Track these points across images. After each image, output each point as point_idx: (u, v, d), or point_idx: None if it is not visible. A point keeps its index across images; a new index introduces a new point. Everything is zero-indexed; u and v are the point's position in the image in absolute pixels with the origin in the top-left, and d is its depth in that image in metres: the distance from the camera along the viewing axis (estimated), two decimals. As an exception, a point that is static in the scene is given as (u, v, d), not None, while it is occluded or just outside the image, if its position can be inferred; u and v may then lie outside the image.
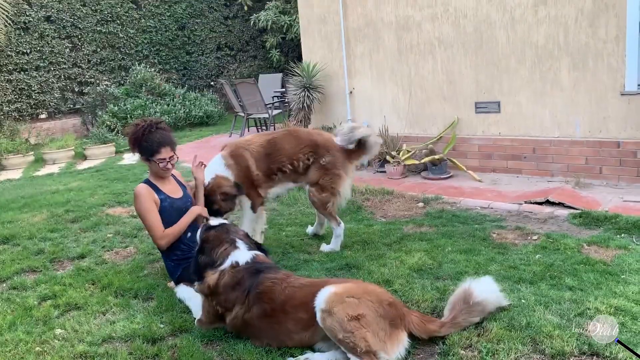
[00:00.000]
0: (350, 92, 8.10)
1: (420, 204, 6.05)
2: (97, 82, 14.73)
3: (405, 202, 6.19)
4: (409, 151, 7.27)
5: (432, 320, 3.11)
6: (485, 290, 3.17)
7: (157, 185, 4.23)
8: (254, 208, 4.82)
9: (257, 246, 3.63)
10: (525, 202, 5.67)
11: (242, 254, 3.44)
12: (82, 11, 14.60)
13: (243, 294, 3.27)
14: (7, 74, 13.49)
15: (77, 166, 10.35)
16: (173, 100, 14.40)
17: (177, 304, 3.88)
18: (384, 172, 7.42)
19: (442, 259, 4.33)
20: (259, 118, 11.42)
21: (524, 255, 4.34)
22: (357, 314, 2.78)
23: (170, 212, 4.19)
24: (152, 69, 15.01)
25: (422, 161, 7.09)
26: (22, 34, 13.67)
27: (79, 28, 14.61)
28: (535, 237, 4.76)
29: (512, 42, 6.56)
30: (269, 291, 3.19)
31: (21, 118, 13.73)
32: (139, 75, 14.32)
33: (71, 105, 14.58)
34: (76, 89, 14.65)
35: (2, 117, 13.25)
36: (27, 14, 13.73)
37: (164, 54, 16.40)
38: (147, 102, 13.86)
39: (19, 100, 13.74)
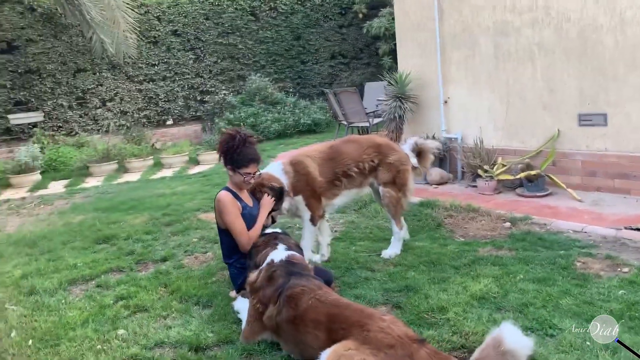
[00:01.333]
0: (445, 102, 7.79)
1: (507, 224, 5.65)
2: (217, 91, 15.63)
3: (490, 221, 5.82)
4: (504, 165, 6.83)
5: (447, 357, 2.88)
6: (518, 339, 2.86)
7: (238, 194, 4.38)
8: (313, 221, 4.83)
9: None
10: (625, 228, 5.07)
11: (278, 253, 3.68)
12: (205, 25, 15.59)
13: (275, 292, 3.39)
14: (138, 84, 14.79)
15: (189, 171, 11.06)
16: (284, 109, 14.86)
17: (230, 314, 3.99)
18: (476, 186, 7.04)
19: (510, 288, 4.02)
20: (360, 127, 11.40)
21: (606, 289, 3.88)
22: None
23: (248, 219, 4.31)
24: (267, 79, 15.60)
25: (517, 177, 6.62)
26: (152, 47, 14.91)
27: (202, 40, 15.62)
28: (625, 270, 4.24)
29: (622, 47, 5.90)
30: (297, 297, 3.26)
31: (149, 124, 14.98)
32: (253, 85, 14.97)
33: (193, 113, 15.63)
34: (198, 98, 15.66)
35: (133, 123, 14.54)
36: (157, 28, 14.95)
37: (279, 63, 16.97)
38: (260, 110, 14.45)
39: (148, 107, 15.00)
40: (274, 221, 4.69)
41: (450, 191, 7.18)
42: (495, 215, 5.90)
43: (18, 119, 13.12)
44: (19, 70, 13.13)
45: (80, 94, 13.96)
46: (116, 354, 3.52)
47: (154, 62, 14.97)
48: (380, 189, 4.94)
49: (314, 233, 4.90)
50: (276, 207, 4.57)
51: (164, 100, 15.20)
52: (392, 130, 8.09)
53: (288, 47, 17.03)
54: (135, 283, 4.79)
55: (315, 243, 5.04)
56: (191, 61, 15.52)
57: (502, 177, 6.73)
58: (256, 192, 4.51)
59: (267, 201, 4.43)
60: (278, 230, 4.15)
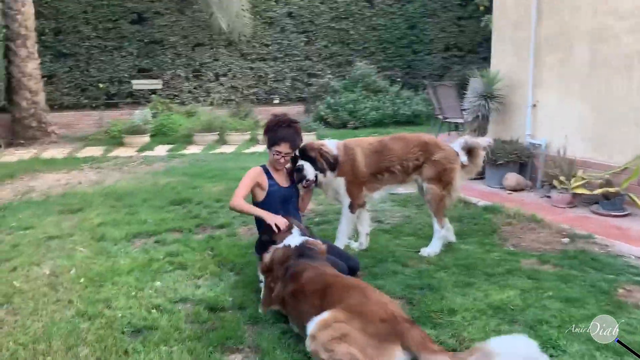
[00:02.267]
0: (534, 105, 7.42)
1: (565, 240, 5.35)
2: (323, 74, 15.98)
3: (549, 234, 5.54)
4: (583, 178, 6.41)
5: (437, 346, 2.90)
6: (509, 347, 2.79)
7: (271, 172, 4.60)
8: (352, 208, 4.92)
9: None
10: (694, 262, 4.61)
11: (294, 238, 3.88)
12: (319, 8, 15.96)
13: (285, 271, 3.58)
14: (250, 62, 15.56)
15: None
16: (385, 97, 14.86)
17: (254, 283, 4.24)
18: (550, 197, 6.69)
19: (533, 303, 3.87)
20: (454, 123, 11.15)
21: (638, 321, 3.61)
22: (340, 334, 2.79)
23: (274, 197, 4.51)
24: (373, 66, 15.69)
25: (594, 192, 6.19)
26: (267, 27, 15.58)
27: (315, 24, 16.01)
28: (673, 303, 3.90)
29: None
30: (301, 272, 3.45)
31: (257, 101, 15.73)
32: (358, 71, 15.13)
33: (299, 94, 16.14)
34: (305, 80, 16.13)
35: (241, 99, 15.34)
36: (274, 9, 15.57)
37: (390, 51, 16.93)
38: (360, 97, 14.60)
39: (257, 86, 15.74)
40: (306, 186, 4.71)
41: (522, 199, 6.88)
42: (556, 229, 5.60)
43: (140, 84, 14.41)
44: (145, 40, 14.39)
45: (196, 66, 14.99)
46: (143, 302, 3.93)
47: (267, 42, 15.64)
48: (425, 185, 4.93)
49: (352, 220, 5.00)
50: (322, 169, 4.68)
51: (273, 80, 15.84)
52: (474, 130, 7.88)
53: (401, 36, 16.92)
54: (187, 244, 5.23)
55: (356, 231, 5.15)
56: (302, 44, 15.99)
57: (578, 190, 6.34)
58: (307, 151, 4.64)
59: (274, 219, 4.19)
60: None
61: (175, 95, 14.74)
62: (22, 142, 12.06)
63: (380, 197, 5.13)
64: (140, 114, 12.19)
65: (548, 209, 6.39)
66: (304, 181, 4.63)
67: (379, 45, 16.78)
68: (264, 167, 4.61)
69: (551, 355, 3.19)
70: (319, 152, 4.72)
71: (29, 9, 12.00)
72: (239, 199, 4.34)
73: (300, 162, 4.62)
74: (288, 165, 4.73)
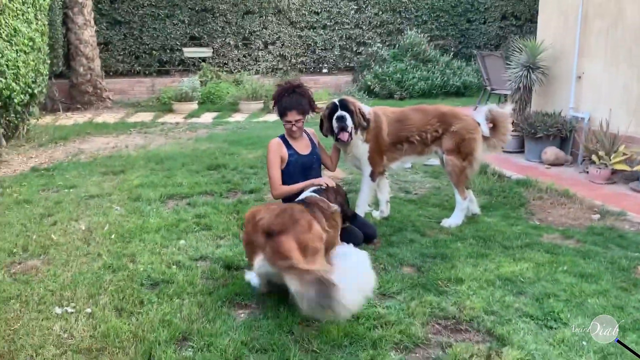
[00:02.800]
0: (579, 77, 7.11)
1: (595, 216, 5.21)
2: (372, 43, 15.77)
3: (579, 210, 5.40)
4: (624, 154, 6.16)
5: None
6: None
7: (289, 141, 4.67)
8: (372, 176, 4.95)
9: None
10: None
11: (305, 194, 4.06)
12: (371, -25, 15.67)
13: None
14: (299, 30, 15.53)
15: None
16: (434, 67, 14.57)
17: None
18: (588, 173, 6.47)
19: (545, 277, 3.84)
20: (503, 94, 10.82)
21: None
22: None
23: (295, 166, 4.61)
24: (424, 35, 15.35)
25: (634, 169, 5.95)
26: (317, -5, 15.46)
27: (366, -9, 15.77)
28: (693, 284, 3.77)
29: None
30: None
31: (305, 70, 15.75)
32: (408, 40, 14.85)
33: (347, 63, 16.03)
34: (354, 49, 15.98)
35: (290, 67, 15.42)
36: (324, -23, 15.41)
37: (443, 20, 16.48)
38: (408, 67, 14.37)
39: (305, 54, 15.74)
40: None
41: (559, 174, 6.69)
42: (587, 205, 5.45)
43: (191, 52, 14.71)
44: (196, 8, 14.61)
45: (246, 34, 15.11)
46: (165, 258, 4.16)
47: (317, 10, 15.53)
48: (444, 157, 4.90)
49: (372, 188, 5.04)
50: (360, 124, 4.73)
51: (321, 49, 15.78)
52: (516, 101, 7.65)
53: (455, 4, 16.42)
54: (215, 206, 5.43)
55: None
56: (352, 11, 15.79)
57: (618, 166, 6.11)
58: (347, 104, 4.67)
59: (314, 181, 4.37)
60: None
61: (225, 64, 14.97)
62: (78, 106, 12.64)
63: (399, 166, 5.14)
64: (188, 82, 12.49)
65: (585, 185, 6.20)
66: (344, 133, 4.65)
67: (432, 13, 16.35)
68: (282, 137, 4.67)
69: (551, 327, 3.20)
70: (358, 108, 4.76)
71: (86, -22, 12.42)
72: (279, 187, 4.45)
73: (342, 112, 4.65)
74: (310, 129, 4.81)
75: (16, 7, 7.69)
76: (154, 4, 14.28)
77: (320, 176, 4.84)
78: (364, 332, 3.09)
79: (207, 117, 11.57)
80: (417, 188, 6.25)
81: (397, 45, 15.25)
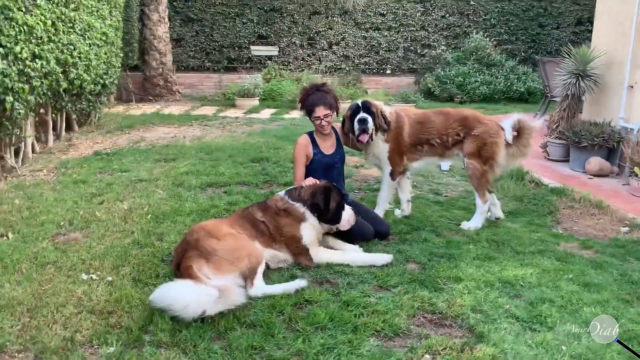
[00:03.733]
0: (631, 87, 6.88)
1: (624, 229, 5.09)
2: (437, 45, 15.69)
3: (609, 221, 5.29)
4: (670, 168, 5.94)
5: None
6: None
7: (317, 140, 4.88)
8: (393, 175, 5.08)
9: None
10: None
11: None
12: (439, -22, 15.60)
13: None
14: (364, 31, 15.72)
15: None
16: (498, 72, 14.31)
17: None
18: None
19: (547, 283, 3.86)
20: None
21: (652, 314, 3.49)
22: None
23: (317, 165, 4.83)
24: (490, 39, 15.11)
25: (678, 183, 5.73)
26: (385, -4, 15.58)
27: (433, -6, 15.71)
28: (702, 302, 3.67)
29: None
30: None
31: (368, 71, 15.92)
32: (472, 44, 14.67)
33: (411, 65, 16.04)
34: (418, 51, 15.97)
35: (352, 68, 15.63)
36: (392, -21, 15.50)
37: (513, 24, 16.13)
38: (471, 71, 14.21)
39: (369, 55, 15.90)
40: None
41: (600, 185, 6.52)
42: (618, 217, 5.33)
43: (258, 50, 15.28)
44: (265, 8, 15.15)
45: (311, 34, 15.49)
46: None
47: (382, 12, 15.67)
48: (465, 160, 4.95)
49: (392, 187, 5.17)
50: (380, 126, 4.85)
51: (385, 50, 15.89)
52: (564, 109, 7.49)
53: (526, 8, 16.03)
54: (247, 195, 5.77)
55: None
56: (419, 13, 15.79)
57: (661, 180, 5.90)
58: (369, 106, 4.83)
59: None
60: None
61: (289, 62, 15.41)
62: (150, 98, 13.48)
63: (420, 167, 5.24)
64: (251, 79, 13.01)
65: (623, 197, 6.03)
66: (364, 135, 4.81)
67: (502, 17, 16.04)
68: (310, 135, 4.89)
69: (534, 330, 3.25)
70: (379, 110, 4.90)
71: (162, -23, 13.22)
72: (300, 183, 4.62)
73: (364, 114, 4.81)
74: (337, 124, 5.01)
75: (90, 4, 8.40)
76: (225, 3, 14.94)
77: (342, 174, 5.06)
78: (349, 317, 3.28)
79: (266, 113, 12.01)
80: (448, 190, 6.30)
81: (462, 49, 15.09)
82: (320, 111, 4.73)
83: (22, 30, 5.88)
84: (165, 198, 5.66)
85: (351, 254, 4.20)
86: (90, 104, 9.39)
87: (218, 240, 3.63)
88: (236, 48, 15.28)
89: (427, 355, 2.96)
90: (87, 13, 8.25)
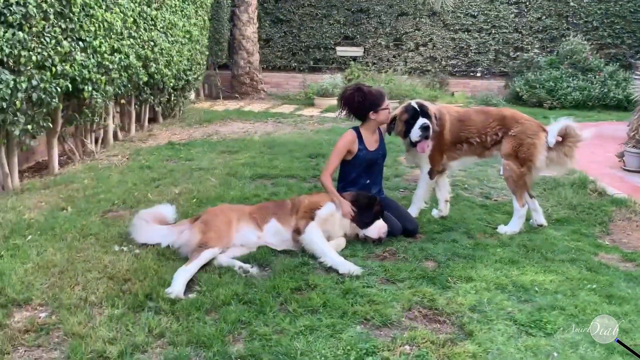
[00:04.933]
0: None
1: (684, 243, 4.67)
2: (531, 48, 15.01)
3: (666, 235, 4.87)
4: None
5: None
6: None
7: (363, 135, 4.89)
8: (431, 174, 5.01)
9: None
10: None
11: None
12: (536, -23, 14.91)
13: None
14: (452, 32, 15.40)
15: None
16: (595, 77, 13.43)
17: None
18: None
19: (565, 290, 3.67)
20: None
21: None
22: None
23: (361, 160, 4.85)
24: (594, 42, 14.25)
25: None
26: (477, -2, 15.16)
27: (529, -6, 15.06)
28: None
29: None
30: None
31: (456, 73, 15.58)
32: (567, 47, 13.88)
33: (502, 68, 15.48)
34: (511, 54, 15.36)
35: (439, 70, 15.37)
36: (485, -21, 15.06)
37: (618, 26, 15.04)
38: (564, 75, 13.45)
39: (457, 57, 15.55)
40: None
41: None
42: (678, 232, 4.89)
43: (343, 51, 15.48)
44: (352, 9, 15.33)
45: (398, 35, 15.43)
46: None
47: (473, 13, 15.27)
48: (503, 161, 4.78)
49: (430, 186, 5.07)
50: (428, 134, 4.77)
51: (475, 52, 15.46)
52: (639, 117, 6.94)
53: (635, 9, 14.91)
54: (291, 187, 5.97)
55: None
56: (512, 15, 15.22)
57: None
58: (427, 111, 4.76)
59: (343, 207, 4.47)
60: None
61: (374, 63, 15.46)
62: (236, 95, 14.13)
63: (459, 166, 5.12)
64: (329, 79, 13.22)
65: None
66: (424, 142, 4.76)
67: (606, 19, 15.01)
68: (357, 130, 4.89)
69: (530, 334, 3.13)
70: (434, 114, 4.84)
71: (254, -21, 13.82)
72: (327, 177, 4.69)
73: (426, 121, 4.73)
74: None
75: (175, 3, 9.02)
76: (313, 4, 15.31)
77: (381, 172, 5.07)
78: (342, 304, 3.34)
79: (342, 113, 12.14)
80: (500, 194, 6.09)
81: (557, 53, 14.33)
82: (386, 102, 4.79)
83: (102, 26, 6.47)
84: (215, 185, 5.99)
85: (328, 250, 4.05)
86: (174, 98, 10.07)
87: (215, 216, 4.18)
88: (322, 49, 15.60)
89: (406, 346, 2.96)
90: (170, 12, 8.86)
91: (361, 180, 4.92)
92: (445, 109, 5.09)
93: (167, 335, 2.98)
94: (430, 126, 4.73)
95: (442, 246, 4.42)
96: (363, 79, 14.12)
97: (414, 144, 4.87)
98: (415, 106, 4.82)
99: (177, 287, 3.48)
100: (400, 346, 2.95)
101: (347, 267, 3.85)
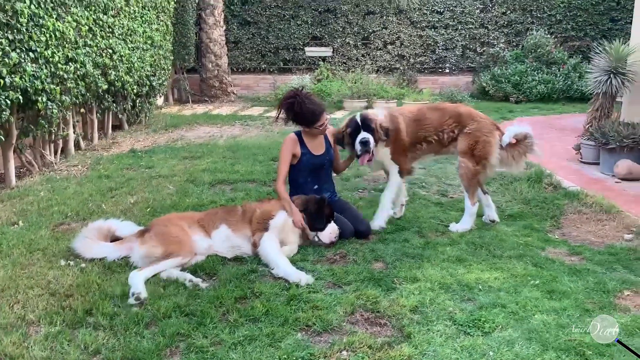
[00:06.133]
0: (667, 84, 6.38)
1: (629, 236, 4.74)
2: (496, 43, 15.17)
3: (614, 227, 4.95)
4: (700, 171, 5.46)
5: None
6: None
7: (305, 140, 4.90)
8: (401, 173, 4.97)
9: None
10: None
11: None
12: (500, -27, 15.07)
13: None
14: (420, 29, 15.50)
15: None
16: (559, 70, 13.62)
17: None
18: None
19: (508, 287, 3.72)
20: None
21: (620, 326, 3.27)
22: None
23: (305, 165, 4.86)
24: (558, 36, 14.47)
25: None
26: (441, -6, 15.27)
27: (494, -10, 15.20)
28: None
29: None
30: None
31: (424, 70, 15.68)
32: (531, 41, 14.06)
33: (469, 64, 15.63)
34: (477, 49, 15.51)
35: (407, 67, 15.45)
36: (449, -24, 15.17)
37: (581, 19, 15.29)
38: (529, 69, 13.64)
39: (425, 54, 15.66)
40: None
41: (625, 189, 6.10)
42: (625, 224, 4.97)
43: (312, 51, 15.49)
44: (319, 10, 15.34)
45: (366, 34, 15.48)
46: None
47: (439, 10, 15.39)
48: (459, 158, 4.83)
49: (398, 187, 5.01)
50: (380, 139, 4.77)
51: (442, 48, 15.58)
52: (596, 109, 7.05)
53: (596, 2, 15.16)
54: (249, 192, 5.95)
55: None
56: (478, 10, 15.37)
57: (688, 184, 5.43)
58: (369, 123, 4.73)
59: (286, 206, 4.54)
60: None
61: (344, 63, 15.49)
62: (206, 99, 14.06)
63: (418, 165, 5.14)
64: (298, 79, 13.22)
65: (645, 203, 5.61)
66: (366, 155, 4.73)
67: (569, 12, 15.27)
68: (299, 134, 4.90)
69: (468, 334, 3.16)
70: (378, 125, 4.80)
71: (219, -18, 13.75)
72: (280, 184, 4.72)
73: (366, 135, 4.71)
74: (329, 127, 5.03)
75: (133, 10, 8.93)
76: (280, 5, 15.28)
77: (330, 176, 5.08)
78: (285, 311, 3.35)
79: (310, 113, 12.14)
80: (456, 192, 6.14)
81: (521, 47, 14.50)
82: (324, 118, 4.76)
83: (54, 35, 6.38)
84: (172, 193, 5.96)
85: (281, 261, 4.02)
86: (138, 104, 9.97)
87: (166, 226, 4.12)
88: (291, 50, 15.58)
89: (344, 352, 2.97)
90: (129, 18, 8.77)
91: (309, 185, 4.91)
92: (398, 111, 5.10)
93: (102, 352, 2.95)
94: (370, 140, 4.69)
95: (393, 246, 4.46)
96: (331, 79, 14.20)
97: (360, 161, 4.86)
98: (358, 120, 4.79)
99: (138, 286, 3.56)
100: (337, 352, 2.96)
101: (296, 276, 3.83)
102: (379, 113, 5.00)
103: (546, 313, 3.38)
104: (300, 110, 4.72)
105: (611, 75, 6.80)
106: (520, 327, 3.22)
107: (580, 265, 4.13)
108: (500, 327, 3.22)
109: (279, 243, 4.22)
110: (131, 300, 3.45)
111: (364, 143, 4.71)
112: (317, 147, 4.93)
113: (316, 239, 4.50)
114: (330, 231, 4.47)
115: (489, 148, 4.74)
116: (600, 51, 7.18)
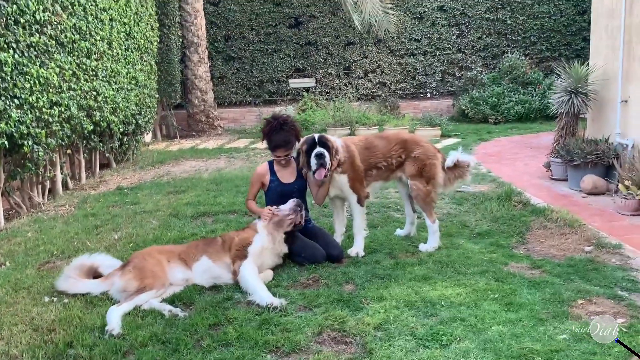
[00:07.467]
0: (625, 101, 6.68)
1: (589, 248, 4.99)
2: (474, 67, 15.61)
3: (575, 241, 5.18)
4: (657, 184, 5.72)
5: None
6: None
7: (275, 169, 5.17)
8: (360, 201, 5.16)
9: None
10: None
11: None
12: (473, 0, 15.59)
13: None
14: (399, 57, 15.94)
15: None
16: (535, 90, 14.03)
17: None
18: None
19: (469, 302, 3.94)
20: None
21: (561, 330, 3.49)
22: None
23: (274, 193, 5.11)
24: (529, 57, 14.92)
25: (662, 200, 5.51)
26: (417, 22, 15.76)
27: (468, 16, 15.70)
28: (622, 320, 3.60)
29: None
30: None
31: (405, 96, 16.08)
32: (507, 63, 14.49)
33: (449, 88, 16.04)
34: (456, 74, 15.95)
35: (389, 94, 15.84)
36: (423, 4, 15.68)
37: (555, 40, 15.78)
38: (506, 90, 14.03)
39: (405, 80, 16.07)
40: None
41: (590, 203, 6.36)
42: (586, 237, 5.21)
43: (296, 83, 15.88)
44: (301, 42, 15.77)
45: (347, 64, 15.90)
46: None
47: (417, 37, 15.84)
48: (409, 182, 5.12)
49: (363, 213, 5.21)
50: (339, 162, 4.94)
51: (422, 74, 16.00)
52: (562, 127, 7.36)
53: (568, 23, 15.67)
54: (230, 223, 6.17)
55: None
56: (454, 36, 15.83)
57: (647, 197, 5.69)
58: (325, 141, 4.84)
59: (264, 214, 4.88)
60: None
61: (327, 92, 15.87)
62: (193, 133, 14.35)
63: (371, 192, 5.38)
64: (281, 110, 13.55)
65: (607, 216, 5.87)
66: (322, 170, 4.80)
67: (542, 34, 15.74)
68: (270, 163, 5.18)
69: (427, 347, 3.36)
70: (333, 146, 4.97)
71: (201, 21, 14.16)
72: (249, 202, 5.21)
73: (321, 149, 4.82)
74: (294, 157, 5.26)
75: (116, 53, 9.27)
76: (262, 40, 15.72)
77: (304, 202, 5.29)
78: (256, 335, 3.54)
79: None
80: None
81: (498, 69, 14.94)
82: (281, 152, 5.01)
83: (38, 82, 6.67)
84: (155, 228, 6.17)
85: (259, 287, 4.20)
86: (125, 142, 10.24)
87: (144, 260, 4.32)
88: (275, 82, 15.97)
89: (309, 370, 3.17)
90: (112, 61, 9.10)
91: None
92: (349, 140, 5.34)
93: (81, 381, 3.13)
94: (326, 154, 4.80)
95: (364, 268, 4.67)
96: (315, 109, 14.55)
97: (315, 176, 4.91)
98: (315, 137, 4.94)
99: (113, 322, 3.72)
100: (303, 370, 3.15)
101: (268, 301, 4.02)
102: (337, 141, 5.19)
103: (502, 324, 3.59)
104: (270, 136, 5.01)
105: (572, 95, 7.12)
106: (477, 339, 3.43)
107: (540, 278, 4.35)
108: (458, 339, 3.43)
109: (257, 270, 4.43)
110: (106, 337, 3.62)
111: (319, 156, 4.76)
112: (286, 175, 5.17)
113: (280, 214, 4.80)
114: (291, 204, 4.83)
115: (435, 170, 5.10)
116: (559, 72, 7.50)
